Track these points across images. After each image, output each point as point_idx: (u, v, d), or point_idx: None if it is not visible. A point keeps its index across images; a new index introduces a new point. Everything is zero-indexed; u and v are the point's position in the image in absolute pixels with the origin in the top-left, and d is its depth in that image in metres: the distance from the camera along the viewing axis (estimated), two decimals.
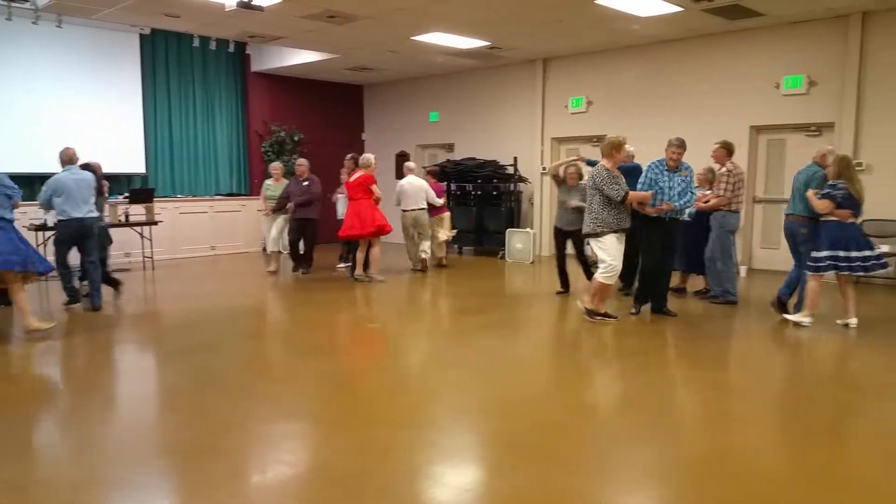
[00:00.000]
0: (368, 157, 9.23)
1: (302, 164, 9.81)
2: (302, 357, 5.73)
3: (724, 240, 7.52)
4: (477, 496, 3.15)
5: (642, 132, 10.53)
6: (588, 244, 7.04)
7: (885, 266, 6.33)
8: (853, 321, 6.39)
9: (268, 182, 9.93)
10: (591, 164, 8.33)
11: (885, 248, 8.60)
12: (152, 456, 3.62)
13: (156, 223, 10.66)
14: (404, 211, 9.89)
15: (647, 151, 9.24)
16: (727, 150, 7.53)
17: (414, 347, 6.20)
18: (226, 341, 6.20)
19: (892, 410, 4.37)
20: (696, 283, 8.29)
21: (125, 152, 11.59)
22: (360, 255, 9.21)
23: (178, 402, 4.54)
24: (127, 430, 4.00)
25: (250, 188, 13.43)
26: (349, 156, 9.97)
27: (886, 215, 8.78)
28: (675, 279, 8.07)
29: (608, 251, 6.39)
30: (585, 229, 6.58)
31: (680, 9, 8.58)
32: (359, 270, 9.19)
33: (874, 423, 4.12)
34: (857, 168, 8.80)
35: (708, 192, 7.68)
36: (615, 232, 6.39)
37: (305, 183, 9.63)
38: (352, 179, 9.06)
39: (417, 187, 9.85)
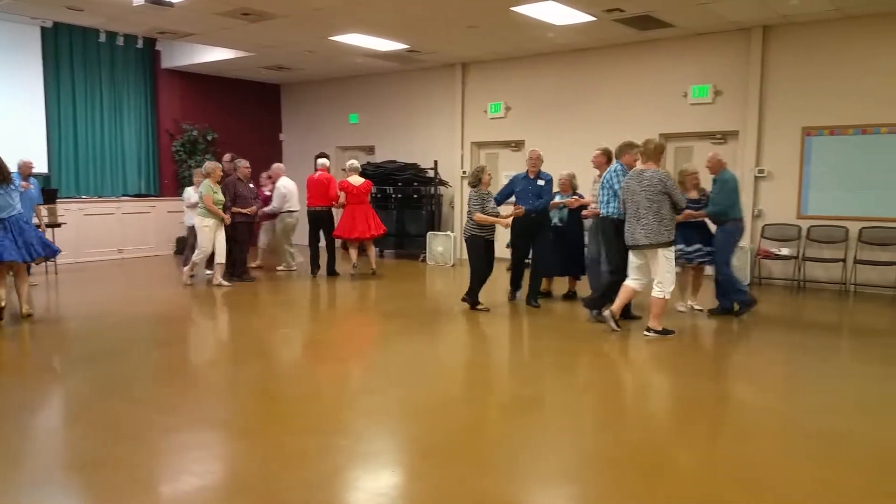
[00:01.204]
0: (356, 162, 10.00)
1: (248, 165, 9.44)
2: (213, 364, 5.56)
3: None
4: (391, 500, 3.12)
5: (558, 138, 10.77)
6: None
7: (691, 261, 7.25)
8: (685, 306, 7.42)
9: (211, 184, 8.75)
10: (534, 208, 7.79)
11: (785, 251, 9.11)
12: (52, 469, 3.42)
13: (59, 225, 10.14)
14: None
15: (563, 157, 9.45)
16: (607, 156, 7.65)
17: (330, 352, 6.11)
18: (133, 348, 5.93)
19: (784, 405, 4.59)
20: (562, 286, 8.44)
21: (26, 151, 10.90)
22: (371, 252, 10.09)
23: (81, 412, 4.33)
24: (26, 443, 3.77)
25: (160, 189, 12.96)
26: (228, 156, 9.68)
27: (786, 220, 9.25)
28: (543, 284, 8.15)
29: (671, 261, 6.18)
30: (659, 239, 6.02)
31: (593, 18, 8.80)
32: (374, 265, 10.02)
33: (771, 419, 4.31)
34: (759, 175, 9.34)
35: (573, 197, 7.94)
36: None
37: (251, 185, 9.46)
38: (357, 185, 9.70)
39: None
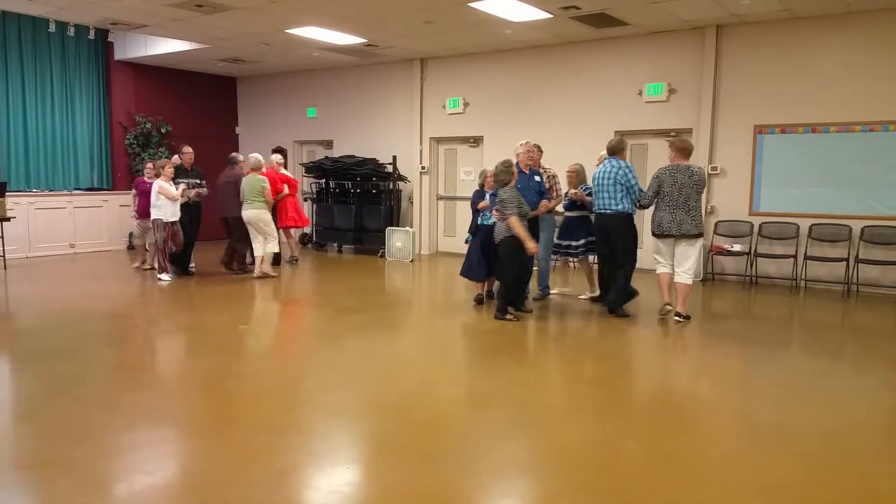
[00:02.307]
0: (280, 156, 10.72)
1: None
2: (165, 361, 5.48)
3: (553, 239, 7.96)
4: (345, 497, 3.12)
5: (516, 134, 10.80)
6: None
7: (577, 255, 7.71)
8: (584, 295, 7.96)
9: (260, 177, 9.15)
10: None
11: (738, 247, 9.30)
12: None
13: (8, 219, 9.89)
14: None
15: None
16: (540, 152, 7.76)
17: (286, 348, 6.06)
18: (83, 346, 5.81)
19: (736, 398, 4.70)
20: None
21: None
22: (293, 242, 10.79)
23: (29, 411, 4.23)
24: None
25: (112, 182, 12.68)
26: (187, 148, 9.61)
27: (738, 216, 9.45)
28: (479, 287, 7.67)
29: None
30: (697, 230, 6.58)
31: (549, 15, 8.86)
32: (295, 253, 10.80)
33: (722, 412, 4.41)
34: (712, 172, 9.50)
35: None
36: None
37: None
38: (293, 178, 10.65)
39: None
